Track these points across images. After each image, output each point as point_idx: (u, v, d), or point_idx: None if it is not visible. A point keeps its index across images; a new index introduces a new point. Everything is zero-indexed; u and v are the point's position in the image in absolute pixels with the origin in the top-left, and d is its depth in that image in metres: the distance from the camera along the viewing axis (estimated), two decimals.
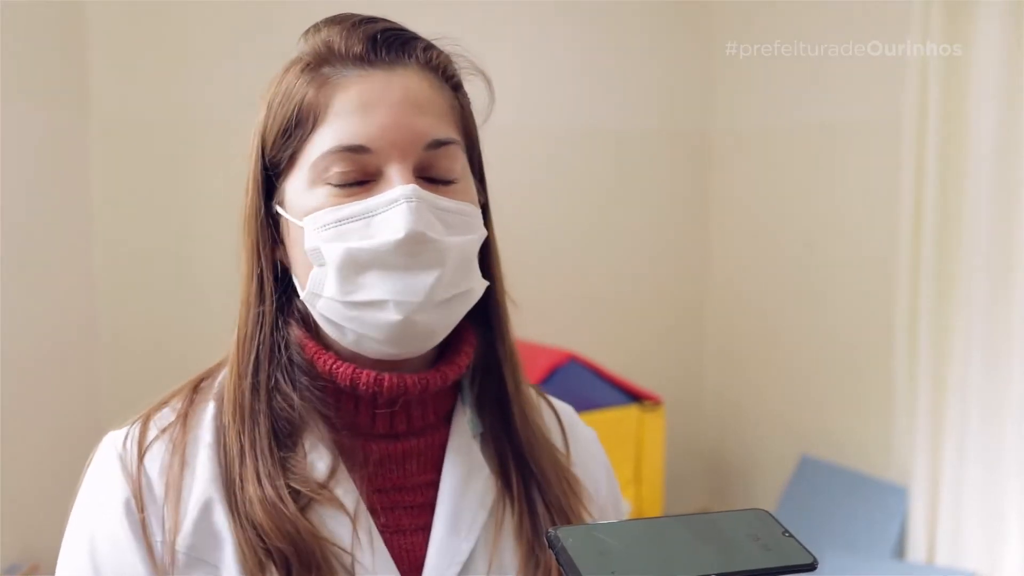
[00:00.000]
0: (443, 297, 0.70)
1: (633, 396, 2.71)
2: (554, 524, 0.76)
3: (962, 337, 2.41)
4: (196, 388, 0.78)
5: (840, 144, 2.92)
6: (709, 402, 3.51)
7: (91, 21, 2.50)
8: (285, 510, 0.68)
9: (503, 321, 0.81)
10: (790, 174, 3.12)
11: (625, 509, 0.92)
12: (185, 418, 0.74)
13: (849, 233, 2.91)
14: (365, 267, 0.69)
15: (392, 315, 0.69)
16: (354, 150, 0.70)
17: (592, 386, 2.66)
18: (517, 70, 3.01)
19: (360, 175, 0.71)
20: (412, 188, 0.69)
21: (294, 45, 0.76)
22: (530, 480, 0.78)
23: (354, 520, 0.70)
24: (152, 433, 0.74)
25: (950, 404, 2.46)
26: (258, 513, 0.68)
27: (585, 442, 0.88)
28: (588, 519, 0.80)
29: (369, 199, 0.70)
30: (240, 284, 0.77)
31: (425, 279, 0.69)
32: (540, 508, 0.77)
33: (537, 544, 0.76)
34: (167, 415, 0.75)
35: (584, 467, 0.85)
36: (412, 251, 0.68)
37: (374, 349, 0.72)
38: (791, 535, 0.48)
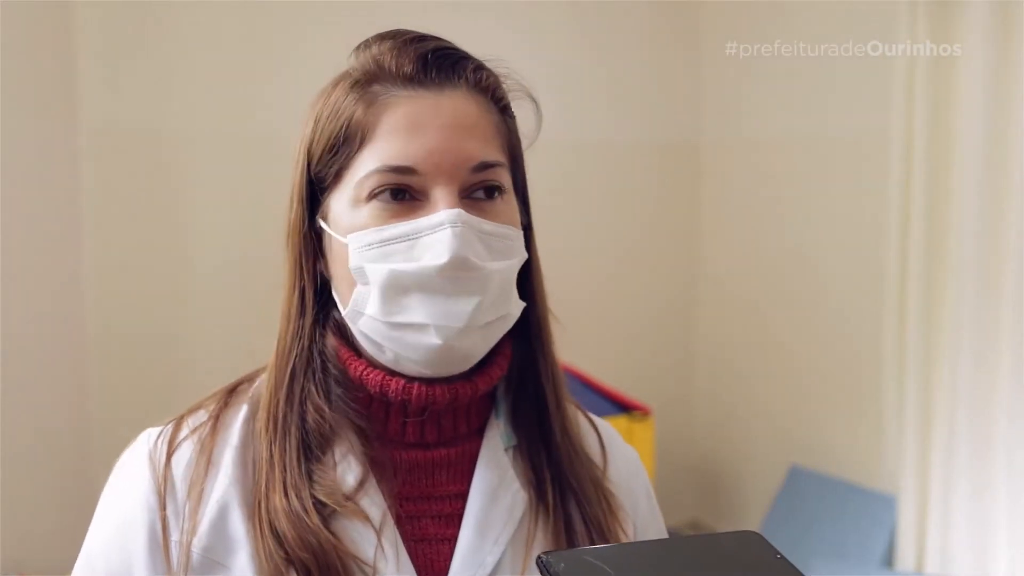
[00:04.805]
0: (483, 322, 0.71)
1: (622, 406, 2.71)
2: (592, 541, 0.76)
3: (950, 346, 2.42)
4: (232, 391, 0.79)
5: (829, 154, 2.94)
6: (698, 412, 3.52)
7: (80, 31, 2.48)
8: (308, 522, 0.69)
9: (546, 339, 0.81)
10: (780, 184, 3.14)
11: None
12: (216, 420, 0.76)
13: (839, 244, 2.93)
14: (408, 289, 0.70)
15: (433, 339, 0.70)
16: (400, 171, 0.70)
17: (581, 396, 2.63)
18: None
19: (406, 195, 0.71)
20: (457, 212, 0.69)
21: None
22: (568, 495, 0.78)
23: (379, 532, 0.71)
24: (183, 433, 0.75)
25: (939, 414, 2.47)
26: (282, 523, 0.69)
27: (626, 461, 0.88)
28: (624, 538, 0.80)
29: (414, 221, 0.70)
30: (282, 296, 0.78)
31: (466, 305, 0.69)
32: (578, 524, 0.77)
33: None
34: (201, 416, 0.76)
35: (623, 485, 0.84)
36: (455, 276, 0.69)
37: (411, 369, 0.73)
38: (783, 557, 0.48)
